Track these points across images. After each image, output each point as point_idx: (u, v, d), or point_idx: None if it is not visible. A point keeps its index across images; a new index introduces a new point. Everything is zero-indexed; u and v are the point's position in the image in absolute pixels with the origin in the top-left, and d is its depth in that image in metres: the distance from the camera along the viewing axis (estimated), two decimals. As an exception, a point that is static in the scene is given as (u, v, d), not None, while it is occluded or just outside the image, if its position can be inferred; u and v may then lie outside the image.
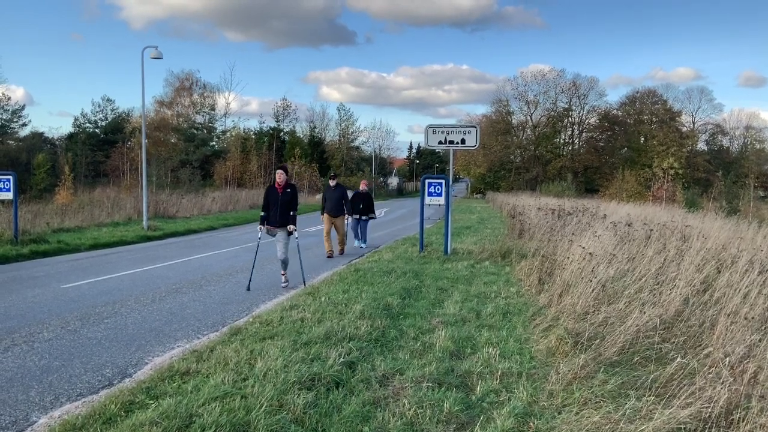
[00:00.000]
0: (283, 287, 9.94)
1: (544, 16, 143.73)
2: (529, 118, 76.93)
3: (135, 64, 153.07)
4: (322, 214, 14.79)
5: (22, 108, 59.21)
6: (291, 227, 9.75)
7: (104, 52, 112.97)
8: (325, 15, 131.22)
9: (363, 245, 16.31)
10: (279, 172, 9.80)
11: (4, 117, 56.24)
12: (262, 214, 9.93)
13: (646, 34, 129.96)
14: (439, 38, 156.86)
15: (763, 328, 5.21)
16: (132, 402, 4.48)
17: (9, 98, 56.39)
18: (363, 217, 16.25)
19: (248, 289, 9.68)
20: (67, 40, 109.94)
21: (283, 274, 10.21)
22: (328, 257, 14.00)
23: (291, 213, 9.77)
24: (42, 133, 63.85)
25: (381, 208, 41.89)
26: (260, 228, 9.91)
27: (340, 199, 14.62)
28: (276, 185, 9.83)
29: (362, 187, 16.75)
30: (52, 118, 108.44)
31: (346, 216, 14.97)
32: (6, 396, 4.83)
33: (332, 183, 14.90)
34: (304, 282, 9.97)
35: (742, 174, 64.03)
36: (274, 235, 9.97)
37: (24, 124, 59.73)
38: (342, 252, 14.81)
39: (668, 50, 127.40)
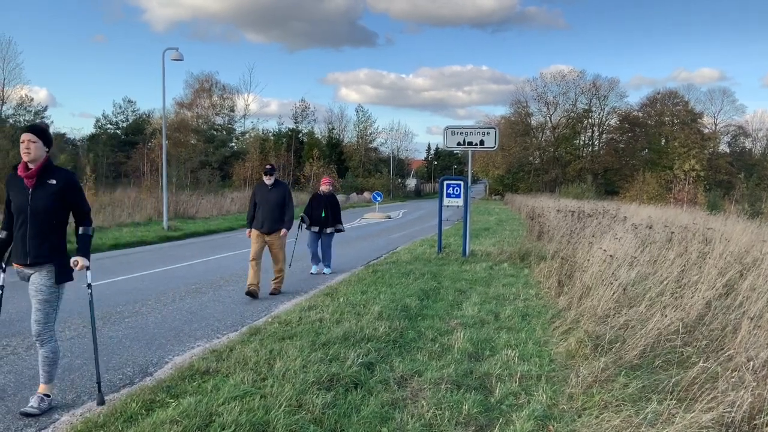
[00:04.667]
0: (30, 409, 4.42)
1: (567, 16, 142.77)
2: (548, 119, 76.52)
3: (156, 66, 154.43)
4: (249, 227, 9.43)
5: (45, 109, 60.19)
6: (80, 260, 4.54)
7: (126, 54, 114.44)
8: (346, 16, 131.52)
9: (326, 270, 11.57)
10: (26, 138, 4.31)
11: (27, 118, 57.01)
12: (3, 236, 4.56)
13: (669, 34, 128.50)
14: (459, 39, 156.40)
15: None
16: (153, 401, 4.52)
17: (32, 99, 57.15)
18: (328, 230, 11.56)
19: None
20: (90, 41, 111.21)
21: (40, 394, 4.54)
22: (247, 293, 8.95)
23: (81, 242, 4.63)
24: (64, 134, 64.77)
25: (399, 210, 41.92)
26: None
27: (280, 205, 9.28)
28: (23, 176, 4.37)
29: (324, 187, 11.89)
30: (74, 119, 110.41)
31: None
32: (29, 393, 4.89)
33: (268, 180, 9.35)
34: (98, 385, 4.64)
35: (765, 176, 63.15)
36: (27, 279, 4.53)
37: (46, 125, 60.51)
38: (277, 290, 9.41)
39: (692, 51, 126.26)
